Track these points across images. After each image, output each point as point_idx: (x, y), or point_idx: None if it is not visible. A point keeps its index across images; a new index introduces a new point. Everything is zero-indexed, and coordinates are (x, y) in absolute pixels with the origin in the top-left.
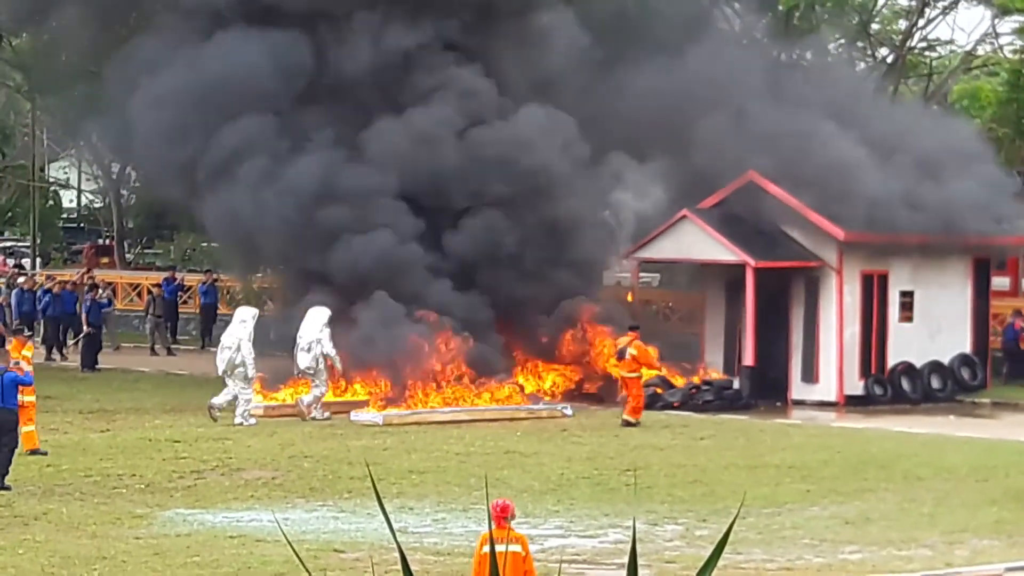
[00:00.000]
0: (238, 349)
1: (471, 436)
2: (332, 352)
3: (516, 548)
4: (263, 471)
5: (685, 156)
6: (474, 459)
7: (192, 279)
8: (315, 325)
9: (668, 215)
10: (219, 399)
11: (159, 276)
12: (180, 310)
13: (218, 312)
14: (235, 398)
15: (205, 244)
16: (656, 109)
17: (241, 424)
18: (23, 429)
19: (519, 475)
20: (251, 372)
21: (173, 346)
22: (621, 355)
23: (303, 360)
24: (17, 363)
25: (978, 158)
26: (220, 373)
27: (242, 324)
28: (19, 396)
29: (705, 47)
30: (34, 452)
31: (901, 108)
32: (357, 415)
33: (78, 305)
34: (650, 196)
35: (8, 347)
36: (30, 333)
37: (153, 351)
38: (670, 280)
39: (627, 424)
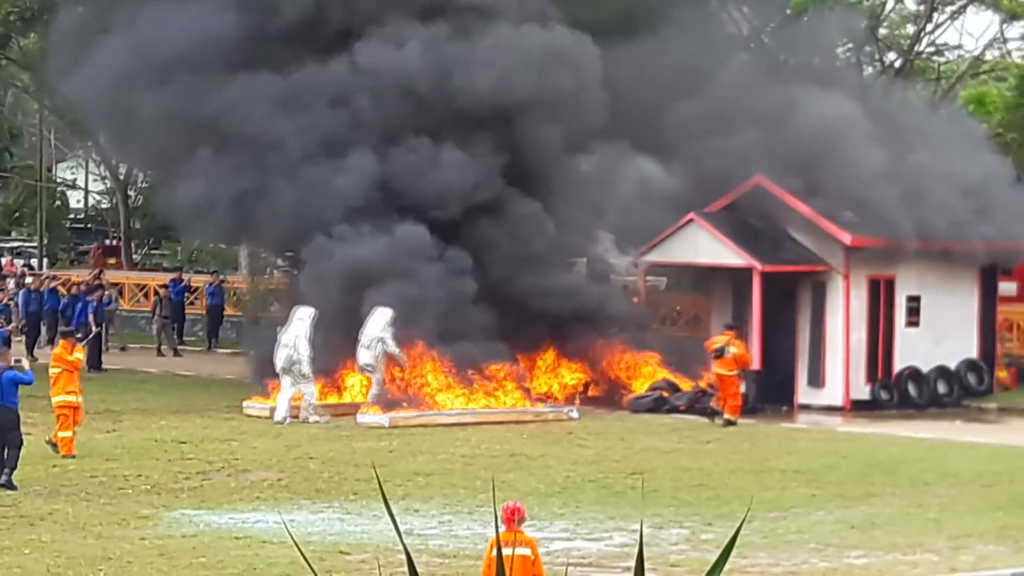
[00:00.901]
0: (296, 347)
1: (477, 438)
2: (396, 350)
3: (525, 551)
4: (269, 472)
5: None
6: (480, 461)
7: (199, 280)
8: (378, 324)
9: (669, 212)
10: (279, 414)
11: (166, 277)
12: (187, 311)
13: (224, 313)
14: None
15: (212, 245)
16: (654, 104)
17: (306, 420)
18: (61, 434)
19: (525, 478)
20: (305, 369)
21: (179, 347)
22: (721, 353)
23: (363, 357)
24: (18, 361)
25: (987, 161)
26: (278, 371)
27: (300, 322)
28: (64, 397)
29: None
30: (63, 454)
31: (912, 109)
32: (363, 417)
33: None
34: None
35: (57, 349)
36: (80, 335)
37: (160, 352)
38: (677, 283)
39: (728, 424)
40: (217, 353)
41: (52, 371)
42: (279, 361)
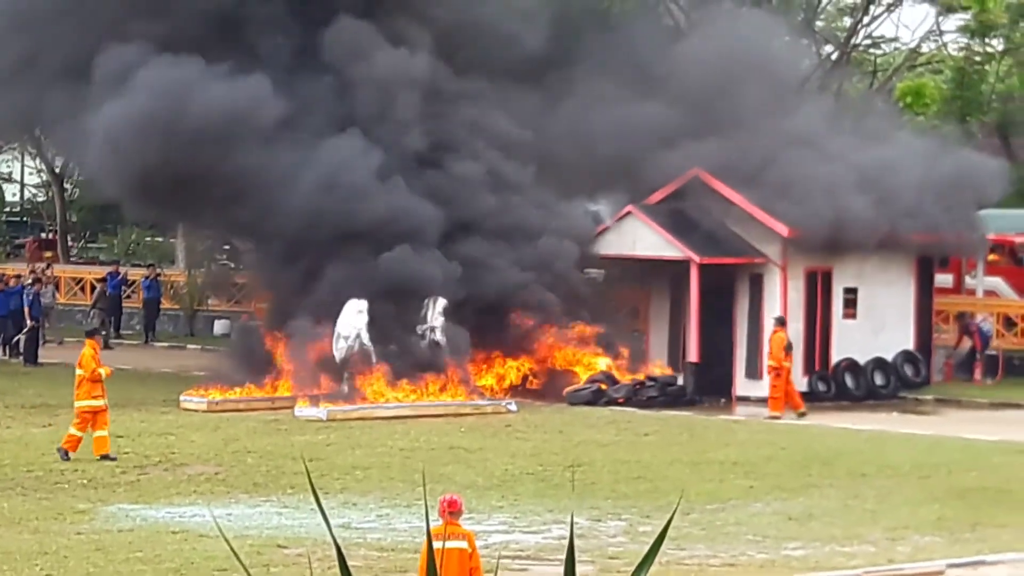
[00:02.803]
0: (356, 338)
1: (415, 432)
2: (442, 339)
3: (461, 544)
4: (206, 466)
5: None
6: (418, 455)
7: (135, 273)
8: (355, 316)
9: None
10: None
11: (103, 270)
12: (123, 304)
13: (161, 307)
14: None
15: (149, 238)
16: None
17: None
18: (95, 434)
19: (463, 471)
20: (372, 360)
21: (114, 341)
22: (791, 349)
23: (341, 350)
24: None
25: (924, 155)
26: (339, 362)
27: (359, 314)
28: (90, 402)
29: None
30: (104, 457)
31: (848, 104)
32: (301, 410)
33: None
34: None
35: (86, 350)
36: (104, 332)
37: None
38: (619, 276)
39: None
40: (154, 347)
41: (77, 373)
42: (339, 352)
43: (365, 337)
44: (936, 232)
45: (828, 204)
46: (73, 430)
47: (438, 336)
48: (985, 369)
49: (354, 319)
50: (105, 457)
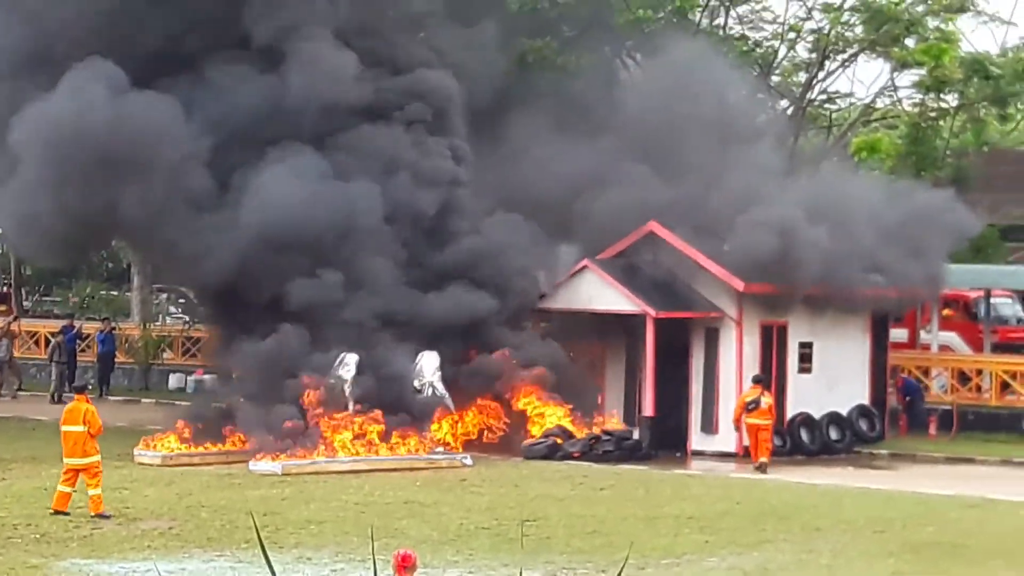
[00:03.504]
0: (343, 390)
1: (370, 486)
2: (444, 393)
3: None
4: (160, 521)
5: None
6: (373, 509)
7: (90, 327)
8: (429, 368)
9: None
10: None
11: (57, 324)
12: (78, 358)
13: (115, 360)
14: None
15: (104, 292)
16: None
17: None
18: (90, 492)
19: (418, 525)
20: (350, 407)
21: (67, 395)
22: (756, 405)
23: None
24: None
25: (879, 209)
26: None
27: (345, 367)
28: (96, 458)
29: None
30: (58, 512)
31: (804, 158)
32: (255, 465)
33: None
34: None
35: (84, 406)
36: (91, 388)
37: (54, 399)
38: (574, 330)
39: (763, 468)
40: (108, 400)
41: (72, 429)
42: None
43: (348, 389)
44: (892, 275)
45: (783, 252)
46: (98, 490)
47: (440, 390)
48: (940, 424)
49: (342, 371)
50: (59, 512)
